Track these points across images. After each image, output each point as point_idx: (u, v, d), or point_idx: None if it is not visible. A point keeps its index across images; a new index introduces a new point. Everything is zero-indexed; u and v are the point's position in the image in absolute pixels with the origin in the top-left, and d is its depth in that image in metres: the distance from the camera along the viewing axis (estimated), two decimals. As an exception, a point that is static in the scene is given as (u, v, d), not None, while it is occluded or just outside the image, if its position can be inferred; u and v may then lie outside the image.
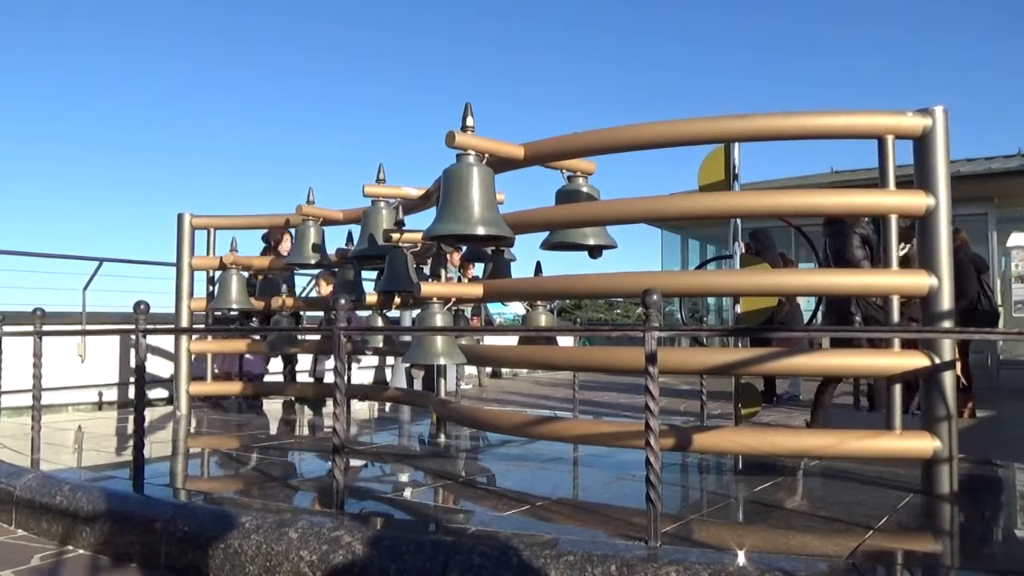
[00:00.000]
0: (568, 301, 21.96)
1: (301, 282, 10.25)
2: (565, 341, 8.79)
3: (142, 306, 3.39)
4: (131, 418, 5.94)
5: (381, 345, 5.54)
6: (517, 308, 9.78)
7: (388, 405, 6.74)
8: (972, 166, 11.61)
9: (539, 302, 4.42)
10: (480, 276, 4.72)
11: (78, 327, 6.94)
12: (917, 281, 3.09)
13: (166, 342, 6.92)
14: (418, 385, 8.28)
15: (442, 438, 4.71)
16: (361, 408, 6.65)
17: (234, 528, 2.64)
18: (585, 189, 4.03)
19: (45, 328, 4.19)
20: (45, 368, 4.22)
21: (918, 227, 3.17)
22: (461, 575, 2.25)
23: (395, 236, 4.48)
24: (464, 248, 4.89)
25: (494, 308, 12.08)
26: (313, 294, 8.80)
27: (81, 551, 2.95)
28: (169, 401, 6.91)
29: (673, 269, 14.87)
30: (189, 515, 2.81)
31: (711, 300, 15.54)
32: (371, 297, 5.20)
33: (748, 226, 5.13)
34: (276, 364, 7.67)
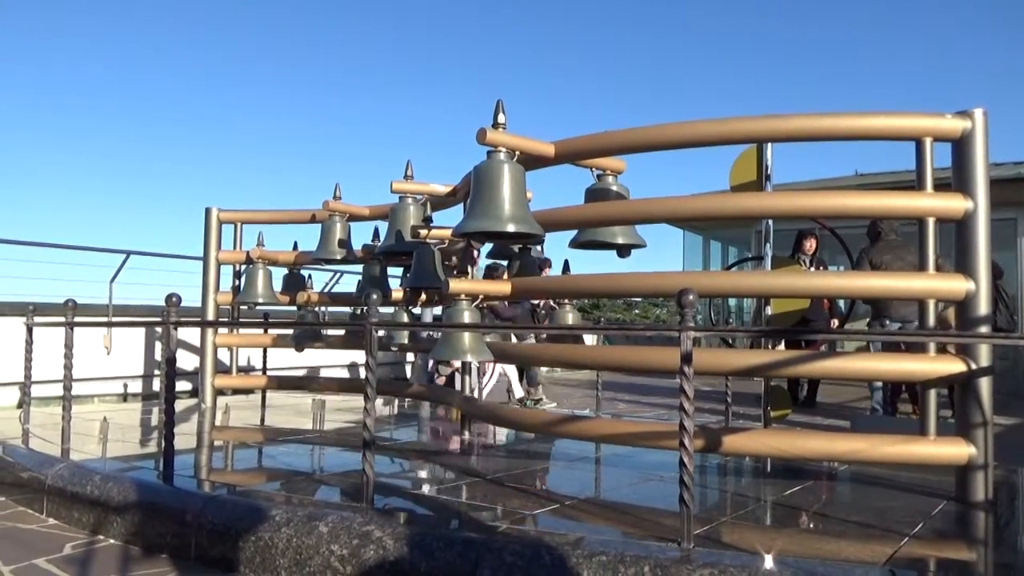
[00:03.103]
0: (587, 300, 21.89)
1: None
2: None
3: (174, 299, 3.41)
4: (156, 410, 6.02)
5: (406, 341, 5.54)
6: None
7: (408, 401, 6.76)
8: (1001, 170, 11.44)
9: (565, 300, 4.42)
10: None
11: (106, 319, 7.01)
12: (954, 285, 3.04)
13: (191, 335, 6.97)
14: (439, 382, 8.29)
15: (466, 435, 4.71)
16: (383, 404, 6.66)
17: (264, 521, 2.65)
18: (615, 188, 4.01)
19: (76, 320, 4.23)
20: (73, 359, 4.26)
21: (955, 231, 3.12)
22: (493, 573, 2.25)
23: (423, 232, 4.48)
24: (489, 247, 4.87)
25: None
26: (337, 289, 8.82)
27: (112, 541, 2.98)
28: (193, 394, 6.96)
29: (695, 270, 14.80)
30: (219, 507, 2.82)
31: (732, 301, 15.48)
32: (397, 293, 5.21)
33: (780, 227, 5.07)
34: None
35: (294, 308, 5.99)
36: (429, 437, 5.21)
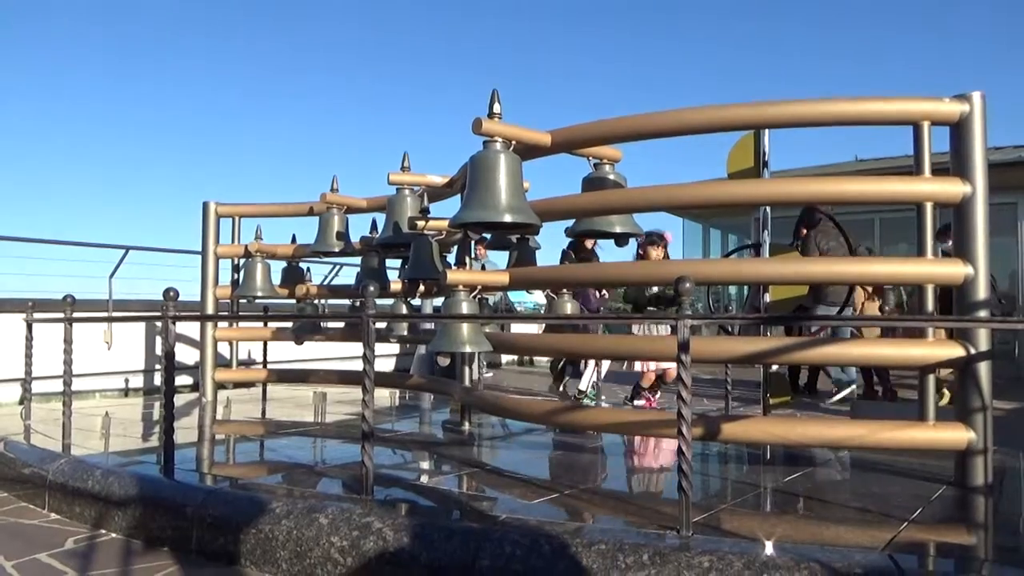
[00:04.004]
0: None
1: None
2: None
3: (171, 292, 3.40)
4: (157, 405, 6.02)
5: (405, 333, 5.54)
6: (539, 297, 9.76)
7: (408, 393, 6.76)
8: (1001, 154, 11.40)
9: (564, 290, 4.40)
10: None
11: (105, 314, 7.01)
12: (952, 270, 3.03)
13: (191, 329, 6.97)
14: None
15: (466, 426, 4.71)
16: (382, 396, 6.66)
17: (265, 514, 2.65)
18: (612, 177, 3.99)
19: (75, 315, 4.23)
20: (73, 355, 4.26)
21: (953, 215, 3.11)
22: (492, 562, 2.25)
23: (420, 224, 4.47)
24: (489, 237, 4.87)
25: (516, 296, 12.06)
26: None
27: (114, 535, 2.99)
28: (194, 388, 6.96)
29: (694, 258, 14.77)
30: (220, 500, 2.83)
31: (732, 289, 15.48)
32: (395, 285, 5.20)
33: (779, 215, 5.07)
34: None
35: (293, 301, 5.99)
36: (428, 428, 5.22)
